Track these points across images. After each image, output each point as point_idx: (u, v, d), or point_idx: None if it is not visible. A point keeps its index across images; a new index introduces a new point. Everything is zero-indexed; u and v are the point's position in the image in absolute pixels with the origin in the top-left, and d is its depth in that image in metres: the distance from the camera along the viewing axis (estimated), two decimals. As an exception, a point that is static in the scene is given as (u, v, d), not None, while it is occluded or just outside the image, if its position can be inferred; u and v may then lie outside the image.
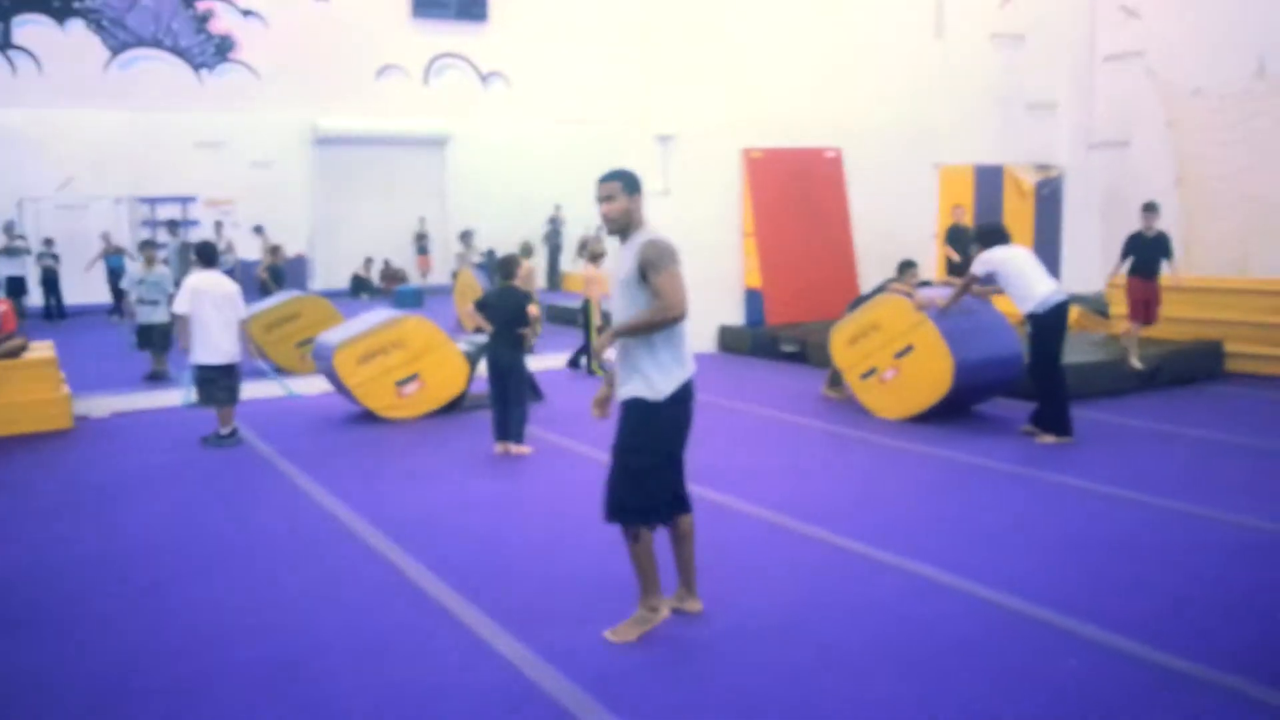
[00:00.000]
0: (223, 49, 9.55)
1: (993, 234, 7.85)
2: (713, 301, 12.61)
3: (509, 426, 7.55)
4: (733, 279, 12.74)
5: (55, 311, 17.51)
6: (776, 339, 11.94)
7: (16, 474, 7.21)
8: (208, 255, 8.01)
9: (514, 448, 7.56)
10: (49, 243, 17.79)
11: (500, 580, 4.90)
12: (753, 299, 12.69)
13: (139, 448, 7.97)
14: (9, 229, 17.11)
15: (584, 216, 22.34)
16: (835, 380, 9.30)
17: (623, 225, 4.21)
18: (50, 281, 17.59)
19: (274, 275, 15.77)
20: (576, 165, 22.19)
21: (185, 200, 21.06)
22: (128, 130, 19.91)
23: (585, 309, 10.71)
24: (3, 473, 7.23)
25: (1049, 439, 7.56)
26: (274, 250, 16.80)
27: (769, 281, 12.53)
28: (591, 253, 10.37)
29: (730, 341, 12.57)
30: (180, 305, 7.75)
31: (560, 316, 15.82)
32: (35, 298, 17.66)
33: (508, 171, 22.77)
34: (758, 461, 7.21)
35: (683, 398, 4.14)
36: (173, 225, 18.75)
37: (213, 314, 7.75)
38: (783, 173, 12.72)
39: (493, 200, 22.05)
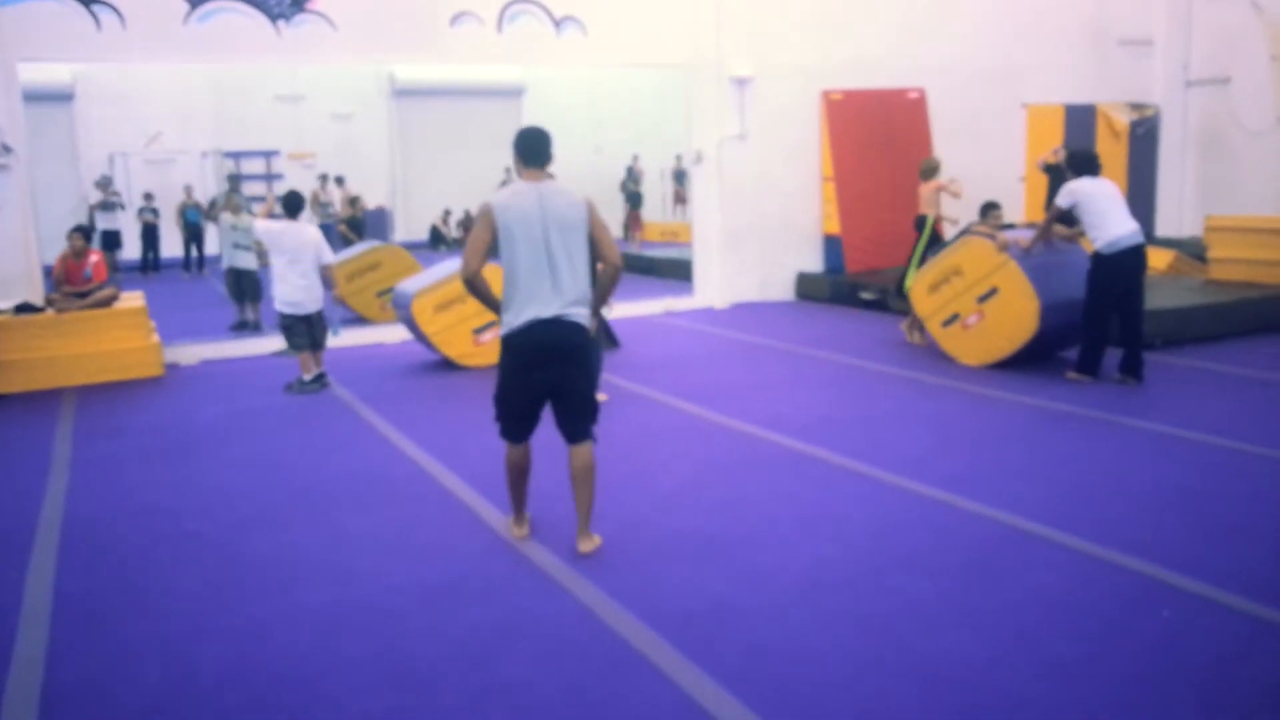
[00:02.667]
0: (299, 1, 9.58)
1: (1084, 161, 7.52)
2: (790, 248, 12.42)
3: None
4: (811, 225, 12.50)
5: (151, 264, 18.02)
6: (856, 286, 11.71)
7: (110, 419, 7.45)
8: (292, 205, 8.06)
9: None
10: (149, 197, 18.26)
11: (572, 524, 4.90)
12: (831, 245, 12.44)
13: (226, 394, 8.17)
14: (104, 184, 17.59)
15: (662, 163, 22.24)
16: (916, 324, 9.11)
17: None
18: (149, 235, 18.09)
19: (353, 226, 16.01)
20: (652, 111, 22.10)
21: (268, 154, 21.42)
22: (210, 85, 20.29)
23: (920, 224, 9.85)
24: (97, 418, 7.48)
25: (1074, 375, 7.50)
26: (353, 201, 17.03)
27: (849, 228, 12.27)
28: (927, 168, 9.81)
29: (808, 289, 12.37)
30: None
31: (639, 266, 15.76)
32: (132, 251, 18.18)
33: (583, 120, 22.66)
34: (837, 409, 7.09)
35: (514, 343, 4.36)
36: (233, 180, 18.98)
37: (287, 264, 7.86)
38: (864, 115, 12.39)
39: (568, 149, 21.99)
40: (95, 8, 8.90)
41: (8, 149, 8.78)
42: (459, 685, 3.41)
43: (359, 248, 12.42)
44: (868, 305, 11.43)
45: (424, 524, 5.02)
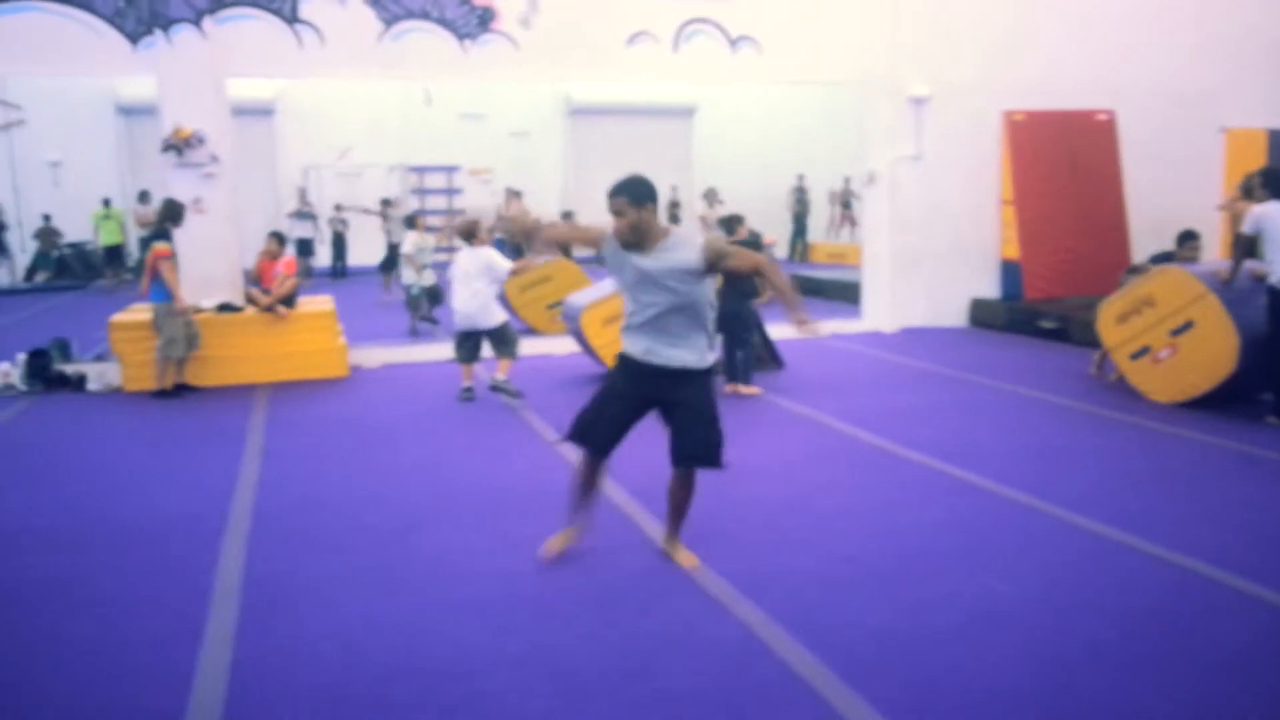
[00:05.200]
0: (484, 20, 9.94)
1: (1275, 179, 6.97)
2: (963, 273, 12.04)
3: (732, 368, 8.26)
4: (988, 249, 12.10)
5: (340, 271, 19.03)
6: (1035, 314, 11.25)
7: (299, 415, 7.88)
8: (467, 235, 8.26)
9: (742, 388, 8.26)
10: (339, 208, 19.33)
11: (733, 540, 4.87)
12: (1009, 271, 12.00)
13: (405, 397, 8.52)
14: (302, 195, 18.72)
15: (828, 183, 22.00)
16: (1105, 361, 8.68)
17: (637, 238, 4.32)
18: (339, 243, 19.14)
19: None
20: (823, 131, 21.90)
21: (449, 169, 22.30)
22: (398, 102, 21.30)
23: None
24: (288, 413, 7.93)
25: (1275, 420, 6.97)
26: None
27: (1028, 253, 11.81)
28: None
29: (983, 316, 11.96)
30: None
31: (805, 288, 15.59)
32: (323, 258, 19.26)
33: (752, 140, 22.69)
34: (1010, 440, 6.81)
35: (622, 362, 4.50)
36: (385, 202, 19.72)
37: (460, 283, 8.15)
38: (1048, 136, 11.92)
39: (736, 170, 22.03)
40: (298, 26, 9.48)
41: (215, 159, 9.44)
42: (617, 693, 3.43)
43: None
44: (1047, 334, 10.95)
45: (587, 532, 5.09)
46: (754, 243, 7.98)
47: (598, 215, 18.87)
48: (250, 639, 3.89)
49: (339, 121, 21.18)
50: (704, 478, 4.62)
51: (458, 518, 5.36)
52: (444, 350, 10.22)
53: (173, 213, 8.78)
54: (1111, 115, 12.11)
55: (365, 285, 17.27)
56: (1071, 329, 10.50)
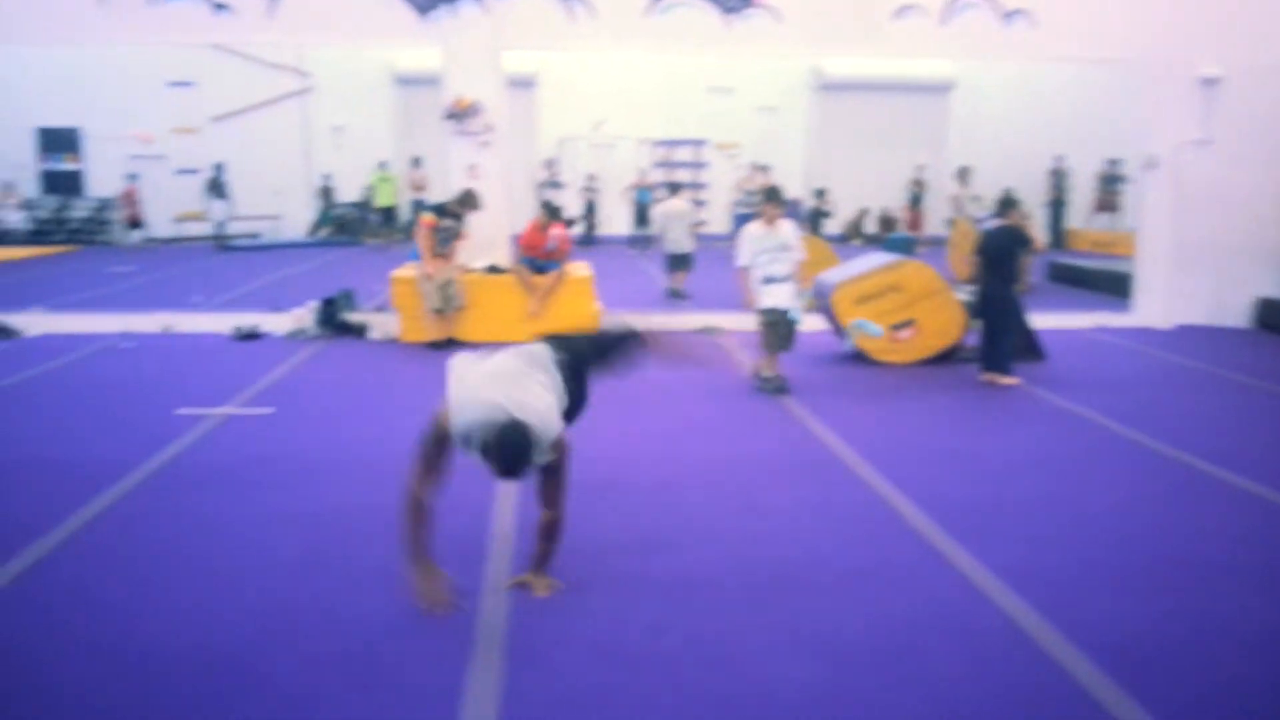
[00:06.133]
0: (750, -7, 9.99)
1: None
2: (1253, 270, 11.04)
3: (994, 357, 7.87)
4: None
5: (589, 239, 19.75)
6: (1335, 318, 10.19)
7: (555, 374, 8.25)
8: (776, 198, 7.76)
9: (999, 378, 7.83)
10: (592, 178, 20.06)
11: (997, 531, 4.74)
12: (1307, 270, 10.92)
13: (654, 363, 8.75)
14: (551, 165, 19.51)
15: (1089, 165, 20.71)
16: None
17: None
18: (589, 212, 19.89)
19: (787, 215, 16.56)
20: (1086, 110, 20.65)
21: (697, 143, 22.58)
22: (651, 77, 21.75)
23: None
24: (544, 372, 8.32)
25: None
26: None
27: (1331, 251, 10.69)
28: None
29: (1272, 318, 10.93)
30: (742, 257, 7.69)
31: (1068, 277, 14.80)
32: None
33: (1012, 120, 21.69)
34: (1304, 452, 6.25)
35: None
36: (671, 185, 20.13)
37: (765, 262, 7.61)
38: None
39: (991, 150, 21.11)
40: (571, 2, 9.83)
41: (490, 127, 9.96)
42: (882, 669, 3.43)
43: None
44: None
45: (838, 506, 5.09)
46: (907, 242, 7.55)
47: (844, 191, 18.66)
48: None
49: (594, 95, 21.88)
50: (974, 471, 4.53)
51: (707, 483, 5.48)
52: (694, 319, 10.46)
53: (470, 201, 9.35)
54: None
55: (615, 253, 17.80)
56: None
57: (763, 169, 19.30)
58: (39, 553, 4.37)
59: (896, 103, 22.40)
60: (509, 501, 5.06)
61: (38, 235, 21.44)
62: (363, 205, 21.30)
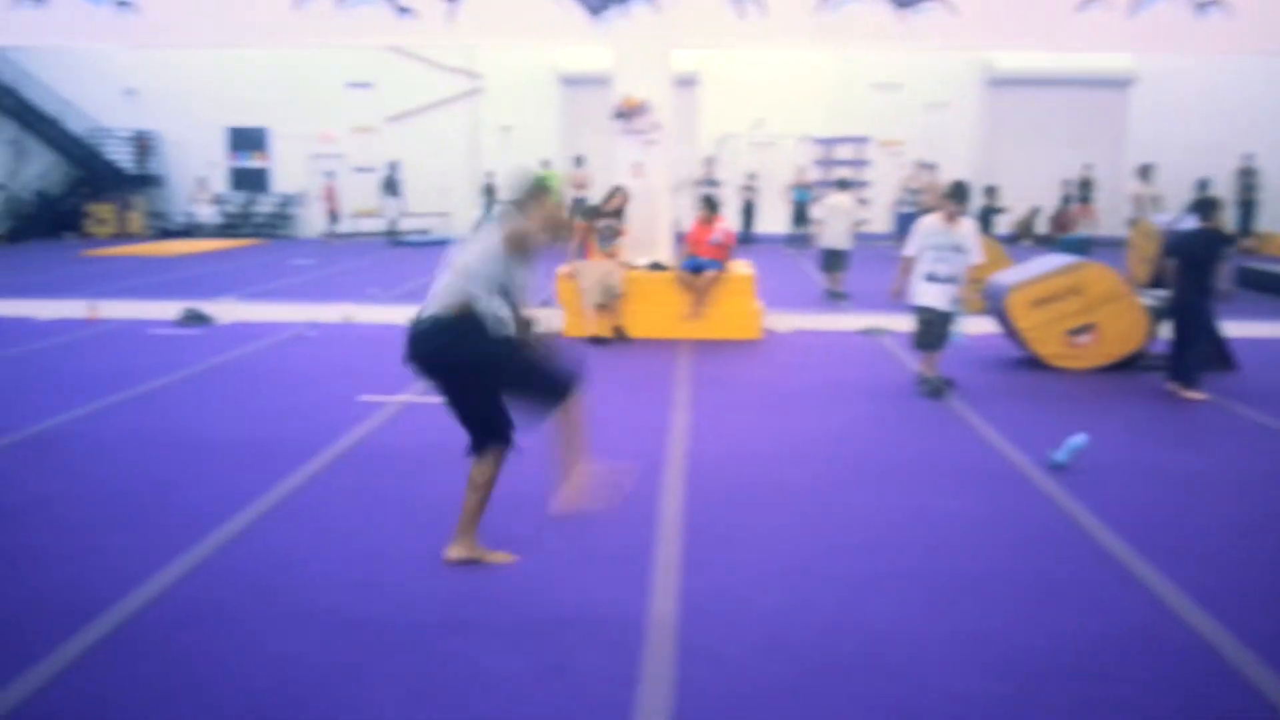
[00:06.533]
0: (929, -14, 9.76)
1: None
2: None
3: (1181, 368, 7.45)
4: None
5: (747, 238, 19.71)
6: None
7: (719, 372, 8.28)
8: (959, 195, 7.40)
9: (1183, 391, 7.37)
10: (751, 176, 20.01)
11: (1189, 550, 4.49)
12: None
13: (817, 363, 8.68)
14: (709, 163, 19.54)
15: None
16: None
17: None
18: (747, 210, 19.86)
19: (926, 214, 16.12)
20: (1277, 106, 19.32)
21: (858, 140, 22.20)
22: (812, 73, 21.50)
23: None
24: (708, 370, 8.36)
25: None
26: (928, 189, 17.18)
27: None
28: None
29: None
30: (910, 246, 7.50)
31: (1259, 283, 13.88)
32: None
33: (1197, 115, 20.47)
34: None
35: None
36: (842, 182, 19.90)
37: (931, 259, 7.35)
38: None
39: (1175, 148, 19.96)
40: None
41: (657, 126, 10.06)
42: (1068, 691, 3.30)
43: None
44: None
45: (1014, 517, 4.92)
46: (1082, 242, 7.03)
47: (1016, 190, 18.09)
48: (694, 572, 4.18)
49: (755, 92, 21.79)
50: (1160, 486, 4.31)
51: (873, 485, 5.39)
52: (851, 320, 10.34)
53: (616, 198, 9.49)
54: None
55: (773, 252, 17.69)
56: None
57: (929, 167, 18.83)
58: (241, 524, 4.67)
59: (1072, 97, 21.49)
60: (674, 504, 5.10)
61: (226, 229, 22.88)
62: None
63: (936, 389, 7.37)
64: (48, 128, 22.55)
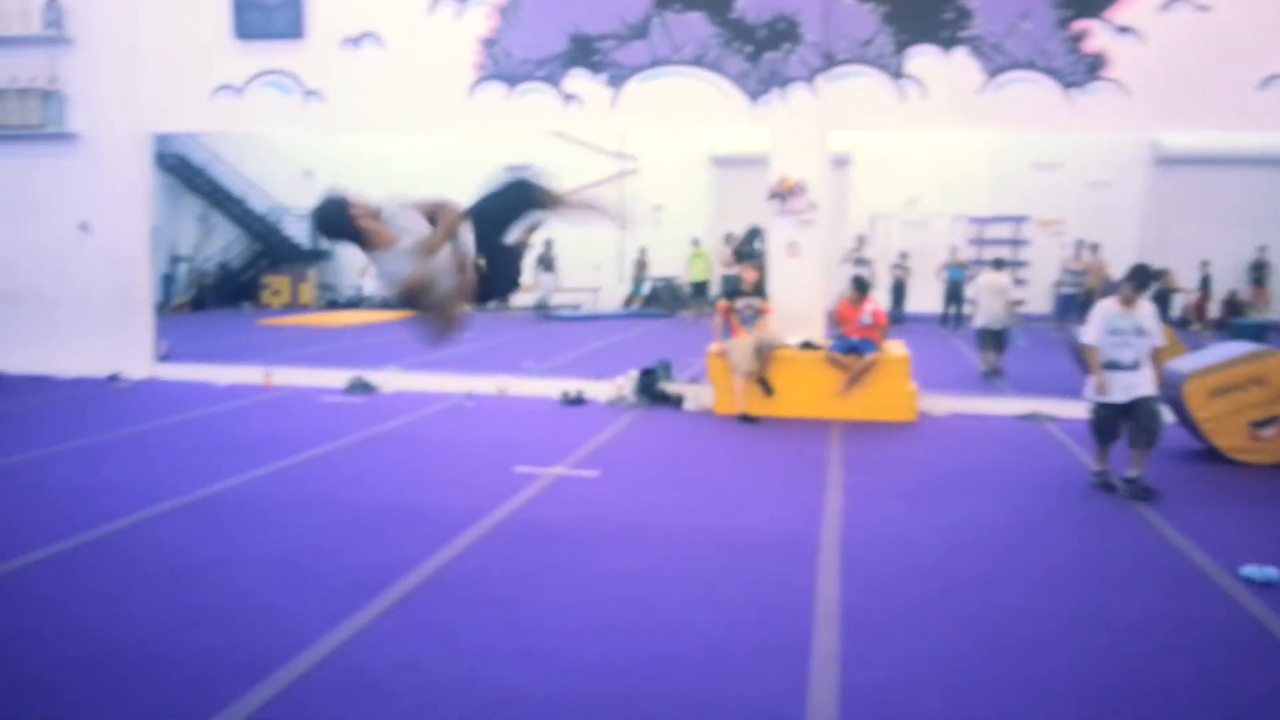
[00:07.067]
0: (1093, 67, 9.49)
1: None
2: None
3: None
4: None
5: (898, 317, 19.39)
6: None
7: (871, 454, 8.09)
8: (1139, 278, 6.99)
9: None
10: (904, 255, 19.79)
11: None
12: None
13: (974, 447, 8.38)
14: (860, 242, 19.37)
15: None
16: None
17: None
18: (898, 289, 19.58)
19: (1106, 294, 15.51)
20: None
21: (1017, 220, 21.65)
22: (970, 152, 21.17)
23: None
24: (860, 451, 8.18)
25: None
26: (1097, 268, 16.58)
27: None
28: None
29: None
30: (1088, 334, 7.03)
31: None
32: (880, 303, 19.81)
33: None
34: None
35: None
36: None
37: (1112, 344, 6.92)
38: None
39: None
40: (902, 81, 9.79)
41: (813, 205, 10.06)
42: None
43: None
44: None
45: (1208, 626, 4.58)
46: (1259, 328, 6.36)
47: (1185, 271, 17.17)
48: (855, 663, 4.04)
49: (908, 171, 21.60)
50: None
51: (1040, 580, 5.13)
52: (1011, 404, 9.97)
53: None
54: None
55: (925, 331, 17.31)
56: None
57: (1092, 247, 18.16)
58: (402, 591, 4.78)
59: (1245, 177, 20.43)
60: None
61: (390, 302, 23.89)
62: (670, 280, 22.11)
63: (1142, 490, 6.76)
64: (233, 205, 24.23)
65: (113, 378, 11.58)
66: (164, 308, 19.16)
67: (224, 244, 24.81)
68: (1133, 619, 4.62)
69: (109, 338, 11.80)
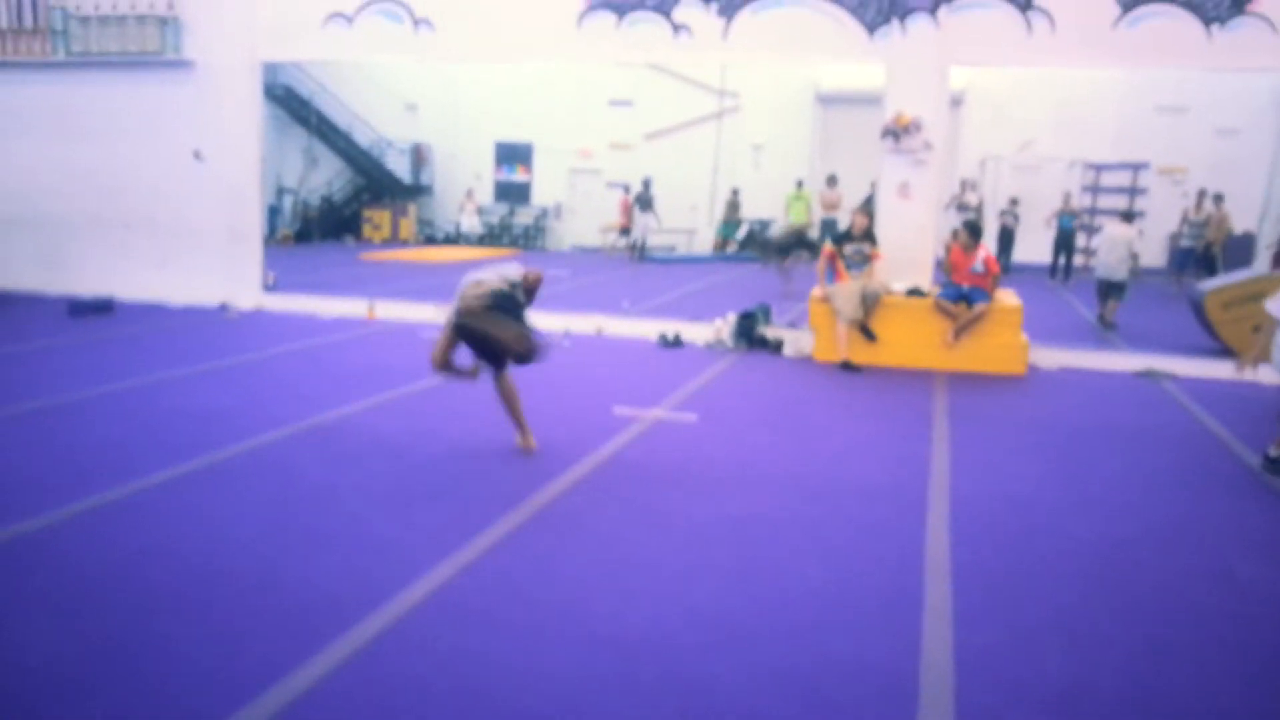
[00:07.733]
0: (1239, 1, 8.87)
1: None
2: None
3: None
4: None
5: (1005, 266, 18.74)
6: None
7: (978, 407, 7.84)
8: None
9: None
10: (1014, 202, 19.03)
11: None
12: None
13: (1087, 404, 8.06)
14: (965, 186, 18.71)
15: None
16: None
17: None
18: (1006, 237, 18.84)
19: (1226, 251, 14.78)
20: None
21: (1136, 167, 20.68)
22: (1091, 93, 20.21)
23: None
24: (967, 404, 7.93)
25: None
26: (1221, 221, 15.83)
27: None
28: None
29: None
30: (1276, 306, 6.22)
31: None
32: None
33: None
34: None
35: None
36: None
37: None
38: None
39: None
40: (1030, 13, 9.30)
41: (928, 145, 9.68)
42: None
43: (1241, 275, 11.32)
44: None
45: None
46: None
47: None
48: (969, 622, 3.90)
49: (1024, 113, 20.74)
50: None
51: (1165, 542, 4.89)
52: (1126, 360, 9.58)
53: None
54: None
55: (1034, 282, 16.73)
56: None
57: (1216, 198, 17.23)
58: (508, 527, 4.78)
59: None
60: (941, 551, 4.82)
61: (486, 238, 24.09)
62: (766, 224, 21.67)
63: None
64: (338, 139, 24.55)
65: (223, 307, 11.88)
66: (269, 239, 19.63)
67: (328, 177, 25.20)
68: (1263, 583, 4.38)
69: (219, 267, 12.09)
